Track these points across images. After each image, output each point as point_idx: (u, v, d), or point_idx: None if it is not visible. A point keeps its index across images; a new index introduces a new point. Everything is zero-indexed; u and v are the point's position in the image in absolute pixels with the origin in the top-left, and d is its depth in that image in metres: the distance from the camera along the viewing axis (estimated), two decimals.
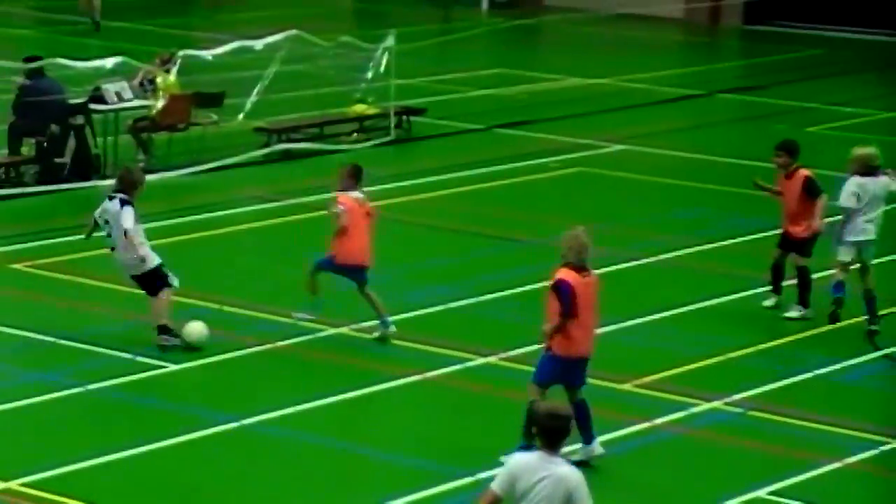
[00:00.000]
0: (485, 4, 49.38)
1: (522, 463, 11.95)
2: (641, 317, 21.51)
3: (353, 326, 20.56)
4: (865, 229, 21.47)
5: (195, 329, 19.17)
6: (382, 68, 31.96)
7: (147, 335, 19.13)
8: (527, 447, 14.99)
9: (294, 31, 32.10)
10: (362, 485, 16.09)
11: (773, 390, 19.00)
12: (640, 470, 16.70)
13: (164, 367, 18.83)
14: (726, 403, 18.35)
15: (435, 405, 18.60)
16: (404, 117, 32.17)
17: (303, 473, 16.38)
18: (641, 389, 18.91)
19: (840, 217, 21.32)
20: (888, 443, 17.45)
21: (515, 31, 46.53)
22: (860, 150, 22.26)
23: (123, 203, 19.14)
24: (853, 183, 21.46)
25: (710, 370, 19.55)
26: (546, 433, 11.90)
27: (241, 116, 30.75)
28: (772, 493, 16.13)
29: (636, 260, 23.95)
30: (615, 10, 46.28)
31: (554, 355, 16.28)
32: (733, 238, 25.42)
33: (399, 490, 15.83)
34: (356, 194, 20.45)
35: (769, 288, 21.83)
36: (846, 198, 21.42)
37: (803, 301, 21.54)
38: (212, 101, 30.38)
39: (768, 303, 21.88)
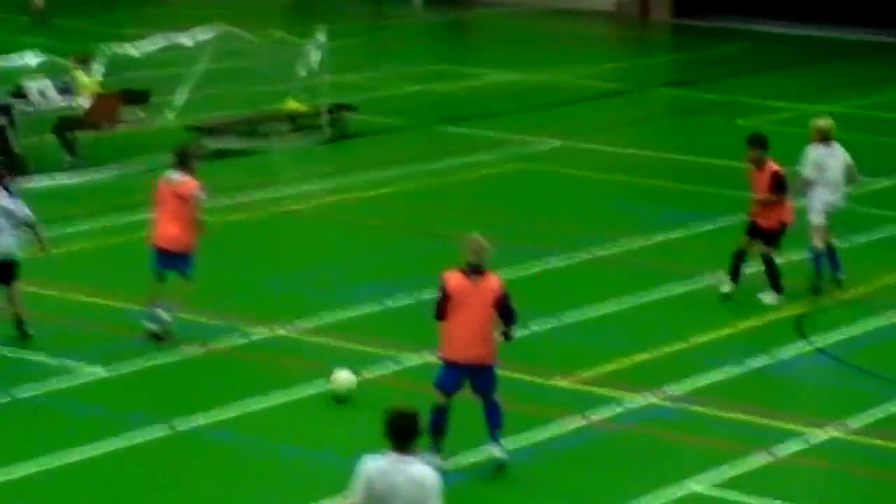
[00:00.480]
0: (417, 1, 49.39)
1: (374, 467, 12.13)
2: (577, 312, 21.56)
3: (289, 328, 20.67)
4: (829, 196, 22.89)
5: (345, 378, 17.94)
6: (314, 65, 32.00)
7: (79, 338, 19.00)
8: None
9: (223, 27, 32.13)
10: (296, 485, 16.12)
11: (707, 385, 19.12)
12: (573, 467, 16.77)
13: (91, 372, 18.85)
14: (661, 398, 18.41)
15: (369, 405, 18.69)
16: (337, 114, 32.14)
17: (239, 476, 16.42)
18: (576, 385, 18.95)
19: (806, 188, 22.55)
20: (818, 434, 17.67)
21: (449, 27, 46.71)
22: (819, 122, 23.78)
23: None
24: (812, 153, 23.09)
25: (646, 365, 19.61)
26: (394, 434, 12.13)
27: (170, 115, 30.65)
28: (707, 487, 16.26)
29: (573, 255, 24.04)
30: (548, 5, 46.51)
31: (440, 357, 16.56)
32: (671, 233, 25.52)
33: (331, 490, 15.94)
34: (173, 175, 20.17)
35: (727, 273, 22.11)
36: (806, 167, 23.03)
37: (776, 287, 21.92)
38: (139, 98, 30.40)
39: (725, 289, 22.15)
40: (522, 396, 17.82)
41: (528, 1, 47.04)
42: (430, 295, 21.86)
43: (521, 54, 41.76)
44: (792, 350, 20.50)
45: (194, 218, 19.75)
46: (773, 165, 22.18)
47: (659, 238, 25.31)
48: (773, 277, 22.06)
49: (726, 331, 21.09)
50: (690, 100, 37.03)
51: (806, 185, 23.05)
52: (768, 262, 22.05)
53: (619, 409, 18.25)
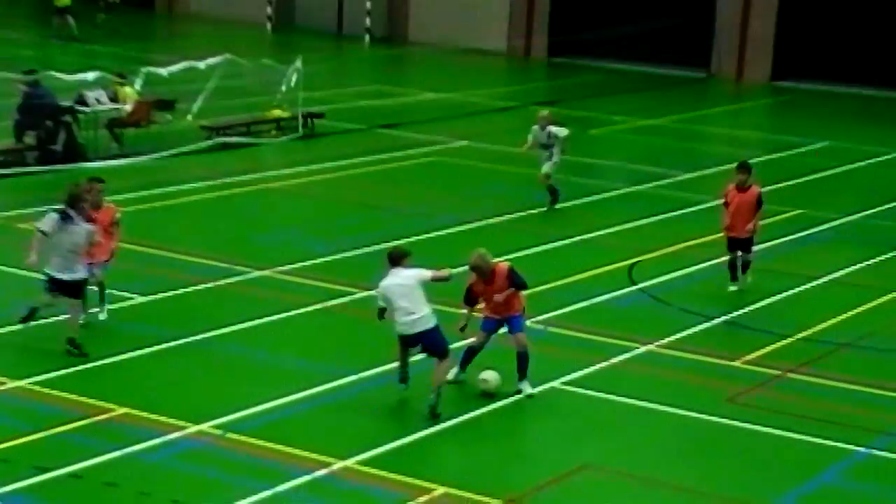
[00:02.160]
0: (367, 39, 49.16)
1: (383, 283, 15.24)
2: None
3: (272, 270, 20.66)
4: (550, 159, 25.11)
5: (492, 377, 15.99)
6: (293, 83, 31.92)
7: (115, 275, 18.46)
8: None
9: (228, 55, 31.98)
10: (276, 382, 16.07)
11: (564, 313, 19.09)
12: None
13: (131, 298, 18.78)
14: (533, 323, 18.16)
15: (333, 325, 18.73)
16: (309, 119, 32.02)
17: (233, 376, 16.42)
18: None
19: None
20: (639, 348, 17.81)
21: (390, 58, 46.49)
22: (541, 111, 26.45)
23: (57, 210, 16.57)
24: (535, 130, 25.27)
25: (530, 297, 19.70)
26: (392, 258, 15.57)
27: (189, 118, 30.54)
28: (561, 384, 16.35)
29: (476, 221, 24.07)
30: (458, 45, 46.42)
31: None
32: (543, 207, 25.61)
33: (301, 386, 15.97)
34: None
35: (730, 277, 20.35)
36: (529, 140, 25.38)
37: (739, 277, 20.35)
38: (167, 105, 30.44)
39: (732, 288, 20.30)
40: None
41: (444, 42, 46.88)
42: (376, 248, 22.06)
43: (439, 79, 41.68)
44: (624, 290, 20.58)
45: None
46: (757, 188, 20.21)
47: (533, 211, 25.36)
48: (745, 271, 20.38)
49: (581, 276, 21.09)
50: (556, 114, 36.95)
51: (531, 149, 25.34)
52: (746, 264, 20.33)
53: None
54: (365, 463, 13.88)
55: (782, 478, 14.22)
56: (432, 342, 15.32)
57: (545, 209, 25.22)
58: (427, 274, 15.47)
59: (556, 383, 16.36)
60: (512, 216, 24.70)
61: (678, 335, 18.43)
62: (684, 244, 23.24)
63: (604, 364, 17.13)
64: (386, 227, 23.50)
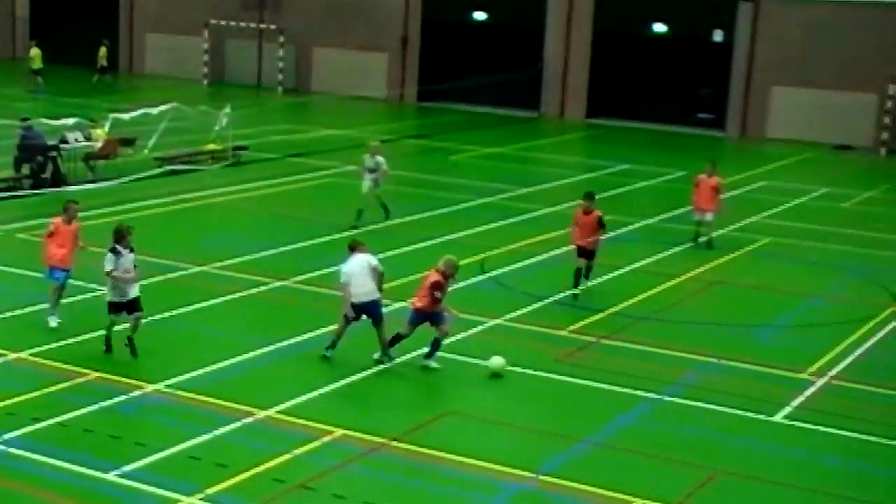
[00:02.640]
0: (280, 90, 48.82)
1: (345, 266, 15.19)
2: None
3: (211, 266, 20.52)
4: (373, 178, 24.43)
5: (498, 361, 15.66)
6: (224, 124, 31.62)
7: (90, 273, 17.92)
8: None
9: (175, 104, 31.64)
10: (215, 351, 15.97)
11: None
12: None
13: (102, 290, 18.38)
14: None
15: (257, 307, 18.67)
16: (236, 151, 31.76)
17: (182, 347, 16.29)
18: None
19: None
20: (489, 322, 17.93)
21: (297, 105, 46.19)
22: (371, 142, 25.92)
23: (110, 250, 15.59)
24: (365, 158, 24.56)
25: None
26: (351, 247, 15.92)
27: (146, 151, 30.07)
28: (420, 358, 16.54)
29: (358, 228, 24.14)
30: (349, 93, 46.30)
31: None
32: (417, 214, 25.52)
33: (234, 353, 15.89)
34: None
35: (573, 284, 19.60)
36: (363, 165, 24.51)
37: (578, 283, 19.63)
38: (129, 142, 29.92)
39: (574, 292, 19.44)
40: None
41: (338, 90, 46.76)
42: (290, 248, 21.99)
43: (334, 120, 41.42)
44: (478, 278, 20.60)
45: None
46: (598, 212, 19.74)
47: (415, 216, 25.31)
48: (586, 276, 19.72)
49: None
50: (425, 146, 37.17)
51: (365, 174, 24.40)
52: (588, 269, 19.76)
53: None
54: (282, 412, 13.91)
55: (596, 418, 14.44)
56: (377, 310, 15.67)
57: (382, 224, 24.19)
58: (374, 261, 15.80)
59: (427, 350, 16.46)
60: (391, 223, 24.72)
61: (519, 312, 18.58)
62: (524, 242, 23.47)
63: (463, 335, 17.21)
64: (295, 233, 23.43)
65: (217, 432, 13.22)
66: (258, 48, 50.41)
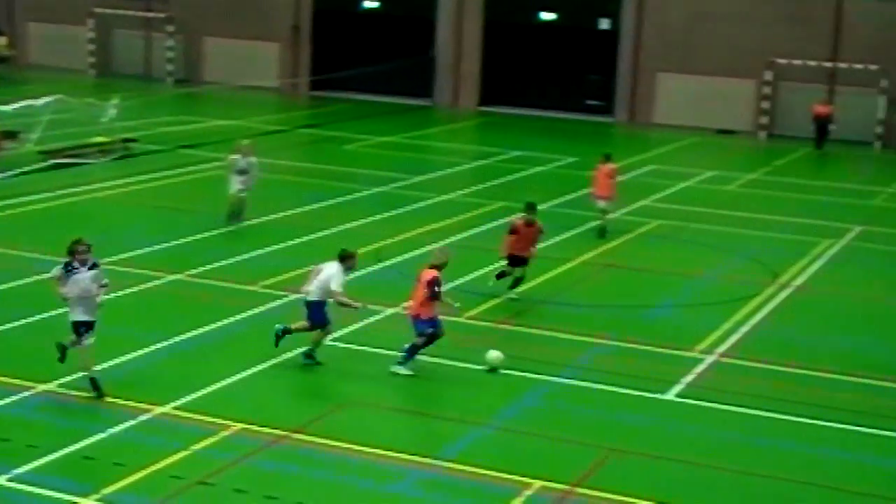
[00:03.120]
0: (170, 81, 47.98)
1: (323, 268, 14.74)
2: (294, 239, 21.38)
3: (106, 260, 20.05)
4: (243, 181, 23.16)
5: (495, 355, 15.55)
6: (112, 116, 31.02)
7: None
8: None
9: (60, 96, 30.92)
10: (108, 347, 15.48)
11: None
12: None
13: None
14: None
15: (149, 302, 18.35)
16: (125, 143, 31.17)
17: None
18: (267, 289, 18.82)
19: None
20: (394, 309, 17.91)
21: (188, 96, 45.48)
22: (241, 142, 24.05)
23: (66, 267, 14.33)
24: (233, 159, 23.32)
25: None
26: (341, 257, 15.23)
27: (30, 145, 29.37)
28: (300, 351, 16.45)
29: (253, 219, 23.85)
30: (242, 83, 45.73)
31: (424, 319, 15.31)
32: (320, 203, 25.38)
33: (127, 350, 15.60)
34: None
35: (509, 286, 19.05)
36: (230, 167, 23.30)
37: (515, 286, 19.07)
38: (12, 136, 29.21)
39: (490, 283, 19.05)
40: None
41: (230, 80, 46.10)
42: (182, 241, 21.66)
43: (226, 110, 40.86)
44: (374, 267, 20.47)
45: None
46: (540, 224, 19.24)
47: (309, 207, 25.24)
48: (516, 285, 19.06)
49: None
50: (318, 135, 36.94)
51: (234, 176, 23.05)
52: (519, 279, 19.05)
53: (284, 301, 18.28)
54: (179, 408, 13.69)
55: (495, 402, 14.54)
56: (310, 311, 15.36)
57: (228, 225, 23.10)
58: (329, 272, 15.26)
59: (325, 340, 16.33)
60: (287, 213, 24.52)
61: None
62: (419, 231, 23.50)
63: (361, 324, 17.15)
64: (188, 226, 23.07)
65: (112, 431, 12.95)
66: (146, 38, 49.47)
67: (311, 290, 15.41)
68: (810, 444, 13.63)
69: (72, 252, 14.31)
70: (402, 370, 15.27)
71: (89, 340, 14.12)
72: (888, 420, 14.32)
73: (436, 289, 15.27)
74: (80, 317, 14.17)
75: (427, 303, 15.37)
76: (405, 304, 15.93)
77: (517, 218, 19.47)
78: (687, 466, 12.85)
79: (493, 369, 15.47)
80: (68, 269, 14.18)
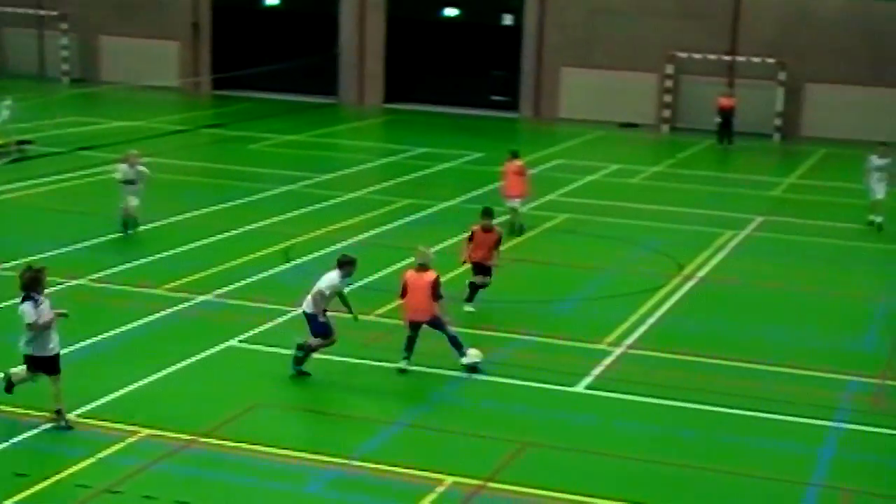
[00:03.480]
0: (65, 80, 47.03)
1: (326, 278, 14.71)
2: (193, 243, 21.12)
3: (8, 265, 19.69)
4: (135, 193, 22.10)
5: (475, 353, 15.63)
6: (6, 117, 30.35)
7: None
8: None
9: None
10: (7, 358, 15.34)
11: (234, 288, 19.05)
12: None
13: None
14: (215, 296, 18.20)
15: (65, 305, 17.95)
16: (21, 145, 30.52)
17: None
18: (167, 292, 18.65)
19: None
20: (290, 311, 17.81)
21: (85, 96, 44.67)
22: (130, 151, 22.94)
23: (25, 299, 13.09)
24: (120, 168, 22.24)
25: (212, 277, 19.43)
26: (340, 263, 14.85)
27: None
28: (237, 342, 16.31)
29: (156, 221, 23.52)
30: (140, 83, 45.07)
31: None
32: (220, 205, 25.18)
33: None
34: None
35: (467, 298, 18.44)
36: (119, 175, 22.19)
37: (474, 300, 18.66)
38: None
39: (468, 308, 18.26)
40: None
41: (129, 80, 45.41)
42: (81, 246, 21.24)
43: (126, 111, 40.32)
44: (282, 267, 20.45)
45: None
46: (499, 230, 19.06)
47: (215, 207, 24.93)
48: (482, 287, 18.61)
49: (248, 258, 20.92)
50: (222, 135, 36.54)
51: (125, 187, 22.03)
52: (484, 286, 18.57)
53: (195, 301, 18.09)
54: (84, 415, 13.45)
55: (406, 399, 14.57)
56: (310, 324, 15.25)
57: (123, 235, 22.36)
58: (324, 284, 15.13)
59: (233, 342, 16.25)
60: (191, 214, 24.22)
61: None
62: (327, 229, 23.42)
63: (268, 325, 17.09)
64: (88, 229, 22.66)
65: (15, 440, 12.67)
66: (39, 36, 48.41)
67: (306, 301, 15.19)
68: (713, 430, 13.91)
69: (37, 281, 13.12)
70: (467, 360, 15.46)
71: (56, 378, 13.24)
72: (790, 406, 14.67)
73: (440, 291, 15.35)
74: (36, 351, 13.17)
75: (434, 302, 15.33)
76: (409, 316, 15.53)
77: (475, 225, 18.68)
78: (597, 457, 13.01)
79: (473, 368, 15.44)
80: (35, 301, 13.06)
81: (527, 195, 24.51)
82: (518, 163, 24.25)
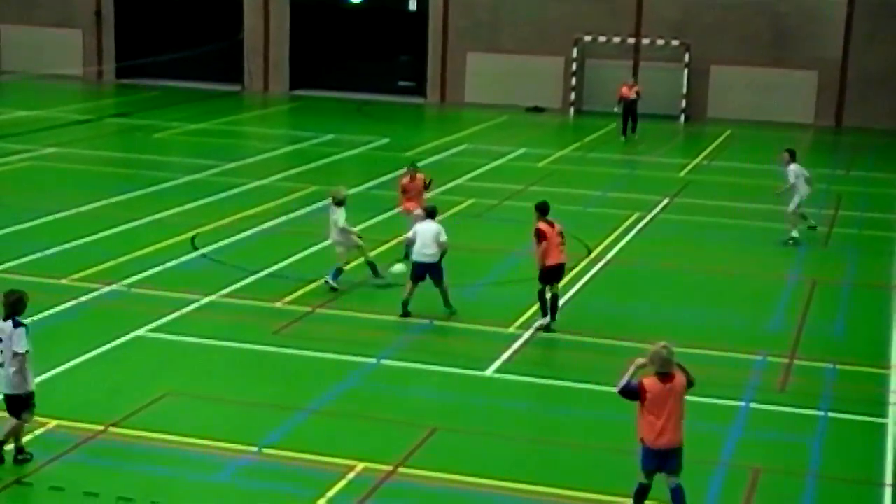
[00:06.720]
0: None
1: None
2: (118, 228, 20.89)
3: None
4: None
5: (399, 268, 18.11)
6: None
7: None
8: None
9: None
10: None
11: (147, 275, 18.99)
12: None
13: None
14: (121, 286, 18.04)
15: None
16: None
17: None
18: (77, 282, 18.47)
19: None
20: (203, 299, 17.75)
21: None
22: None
23: (17, 325, 11.82)
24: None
25: (121, 266, 19.30)
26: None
27: None
28: (146, 331, 16.25)
29: (63, 211, 23.23)
30: (43, 71, 44.18)
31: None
32: (127, 194, 24.96)
33: None
34: None
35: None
36: None
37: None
38: None
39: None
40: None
41: (30, 69, 44.52)
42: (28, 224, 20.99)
43: (29, 100, 39.51)
44: (189, 256, 20.47)
45: None
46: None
47: (120, 197, 24.67)
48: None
49: (154, 247, 20.73)
50: (127, 124, 36.03)
51: None
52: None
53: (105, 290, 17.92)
54: None
55: (315, 386, 14.65)
56: (437, 273, 17.75)
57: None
58: (443, 233, 17.61)
59: (141, 332, 16.18)
60: (97, 204, 23.92)
61: (232, 287, 18.51)
62: (233, 217, 23.32)
63: (176, 314, 17.03)
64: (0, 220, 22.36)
65: None
66: None
67: (434, 252, 17.26)
68: (619, 412, 14.12)
69: (23, 304, 12.06)
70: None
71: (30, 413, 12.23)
72: (699, 386, 14.99)
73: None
74: (19, 390, 12.04)
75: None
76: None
77: (540, 222, 16.93)
78: (506, 441, 13.23)
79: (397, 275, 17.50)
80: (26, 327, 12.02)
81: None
82: (421, 176, 21.10)
